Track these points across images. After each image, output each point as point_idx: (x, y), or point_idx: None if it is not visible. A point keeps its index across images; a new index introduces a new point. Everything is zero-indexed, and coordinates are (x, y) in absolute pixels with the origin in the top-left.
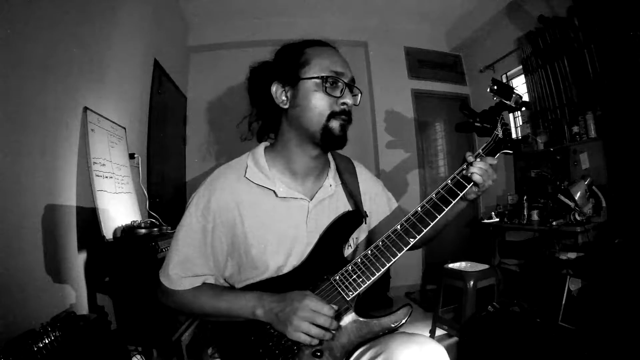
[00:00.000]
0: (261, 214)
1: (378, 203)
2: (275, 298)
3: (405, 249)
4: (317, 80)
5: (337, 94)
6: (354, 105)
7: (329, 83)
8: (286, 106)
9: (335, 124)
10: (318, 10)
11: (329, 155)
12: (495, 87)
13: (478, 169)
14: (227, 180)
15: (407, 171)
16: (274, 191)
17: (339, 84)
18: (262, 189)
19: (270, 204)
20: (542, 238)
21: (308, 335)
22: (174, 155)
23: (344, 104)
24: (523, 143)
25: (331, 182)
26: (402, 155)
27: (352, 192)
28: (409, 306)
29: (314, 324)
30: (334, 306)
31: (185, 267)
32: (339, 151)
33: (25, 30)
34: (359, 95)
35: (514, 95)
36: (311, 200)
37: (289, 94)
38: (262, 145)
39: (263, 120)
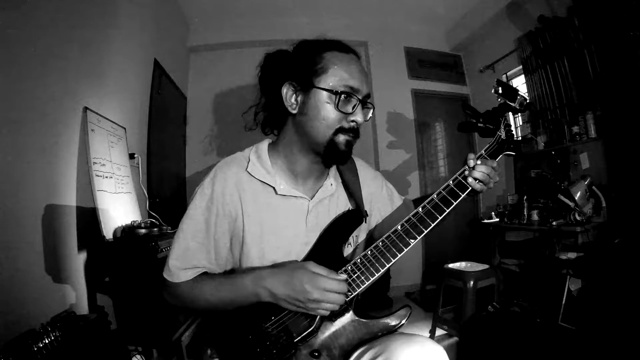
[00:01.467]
0: (261, 210)
1: (380, 201)
2: (277, 279)
3: (406, 250)
4: (331, 93)
5: (349, 110)
6: (364, 121)
7: (342, 97)
8: (295, 111)
9: (341, 139)
10: (318, 10)
11: None
12: (500, 89)
13: (480, 174)
14: (230, 171)
15: (408, 171)
16: (274, 188)
17: (352, 99)
18: (263, 185)
19: (270, 200)
20: (542, 238)
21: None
22: (174, 155)
23: (353, 121)
24: (524, 144)
25: (332, 181)
26: (403, 155)
27: (353, 191)
28: (408, 307)
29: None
30: (341, 274)
31: (186, 259)
32: None
33: (25, 31)
34: (371, 109)
35: (518, 97)
36: (311, 199)
37: (299, 99)
38: (266, 141)
39: (269, 112)
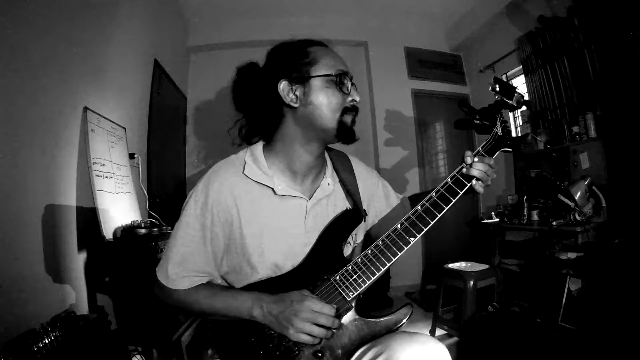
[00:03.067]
0: (259, 212)
1: (377, 199)
2: (274, 299)
3: (406, 248)
4: (328, 78)
5: (346, 90)
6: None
7: (339, 79)
8: (296, 105)
9: (348, 119)
10: (318, 10)
11: (326, 154)
12: (497, 86)
13: (477, 171)
14: (225, 175)
15: (407, 171)
16: (272, 189)
17: (346, 81)
18: (261, 187)
19: (269, 202)
20: (542, 238)
21: (310, 335)
22: (174, 155)
23: (353, 100)
24: (523, 141)
25: (329, 181)
26: (402, 155)
27: (350, 190)
28: (410, 306)
29: (315, 324)
30: (334, 305)
31: (185, 266)
32: (334, 147)
33: (25, 30)
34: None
35: (515, 95)
36: (309, 199)
37: (297, 93)
38: (260, 143)
39: (254, 123)
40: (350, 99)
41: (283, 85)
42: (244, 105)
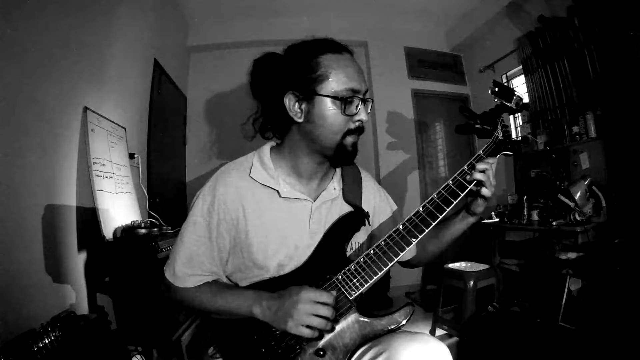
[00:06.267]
0: (264, 213)
1: (378, 211)
2: (273, 296)
3: (408, 249)
4: (335, 99)
5: (353, 111)
6: (367, 114)
7: (347, 101)
8: (300, 120)
9: (349, 141)
10: (318, 10)
11: None
12: (497, 89)
13: (480, 174)
14: (232, 177)
15: (407, 171)
16: (277, 191)
17: (355, 100)
18: (266, 189)
19: (274, 203)
20: (542, 238)
21: (310, 327)
22: (174, 155)
23: (359, 120)
24: (523, 144)
25: (335, 185)
26: (402, 155)
27: (354, 198)
28: (411, 305)
29: (315, 315)
30: (333, 292)
31: (192, 265)
32: None
33: (25, 30)
34: (370, 102)
35: (514, 97)
36: (314, 201)
37: (303, 107)
38: (268, 145)
39: (268, 117)
40: (356, 119)
41: (289, 99)
42: (259, 96)
